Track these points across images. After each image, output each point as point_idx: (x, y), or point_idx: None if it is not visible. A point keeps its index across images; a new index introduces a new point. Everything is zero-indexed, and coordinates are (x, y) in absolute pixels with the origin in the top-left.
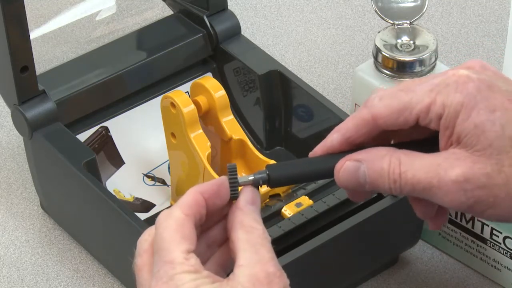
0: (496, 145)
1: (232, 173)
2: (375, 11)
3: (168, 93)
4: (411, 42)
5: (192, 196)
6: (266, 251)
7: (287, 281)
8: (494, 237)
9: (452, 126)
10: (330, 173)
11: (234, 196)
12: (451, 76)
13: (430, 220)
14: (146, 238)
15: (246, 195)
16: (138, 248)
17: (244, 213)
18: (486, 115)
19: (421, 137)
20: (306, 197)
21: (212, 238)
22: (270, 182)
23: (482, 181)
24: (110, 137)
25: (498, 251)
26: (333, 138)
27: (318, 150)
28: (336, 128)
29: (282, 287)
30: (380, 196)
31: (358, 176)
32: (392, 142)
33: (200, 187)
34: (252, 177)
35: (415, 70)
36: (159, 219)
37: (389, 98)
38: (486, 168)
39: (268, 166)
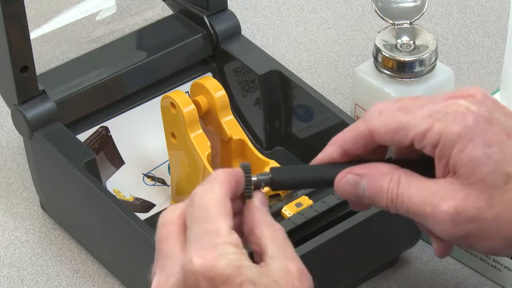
0: (489, 180)
1: (247, 172)
2: (375, 11)
3: (168, 93)
4: (411, 42)
5: (227, 177)
6: (291, 250)
7: (312, 282)
8: None
9: (448, 156)
10: (331, 182)
11: (248, 194)
12: (451, 105)
13: (436, 244)
14: (171, 212)
15: (259, 196)
16: (162, 220)
17: (263, 213)
18: (482, 149)
19: (418, 156)
20: (306, 197)
21: None
22: (273, 185)
23: (473, 215)
24: (110, 137)
25: None
26: (332, 150)
27: (317, 162)
28: (334, 139)
29: (310, 285)
30: None
31: (357, 190)
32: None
33: (230, 171)
34: (255, 178)
35: (415, 70)
36: (197, 192)
37: (387, 116)
38: (479, 203)
39: (272, 169)
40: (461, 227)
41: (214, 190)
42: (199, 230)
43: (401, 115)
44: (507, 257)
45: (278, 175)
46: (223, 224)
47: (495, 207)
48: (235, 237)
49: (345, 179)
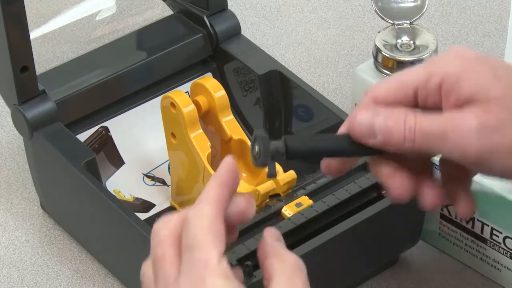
0: (505, 97)
1: (265, 141)
2: (375, 11)
3: (168, 93)
4: (411, 42)
5: (216, 190)
6: (301, 282)
7: None
8: (494, 237)
9: (457, 90)
10: (348, 148)
11: (264, 161)
12: (448, 50)
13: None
14: (164, 228)
15: (271, 232)
16: (156, 238)
17: (274, 246)
18: (490, 73)
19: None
20: (306, 197)
21: None
22: (288, 152)
23: (497, 126)
24: (110, 137)
25: (498, 251)
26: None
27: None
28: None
29: None
30: (380, 196)
31: (373, 123)
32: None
33: (220, 177)
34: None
35: None
36: (189, 216)
37: (387, 80)
38: (501, 115)
39: (286, 137)
40: (485, 139)
41: (204, 213)
42: (190, 259)
43: (400, 73)
44: (506, 256)
45: (292, 142)
46: (211, 253)
47: None
48: (223, 266)
49: (363, 111)
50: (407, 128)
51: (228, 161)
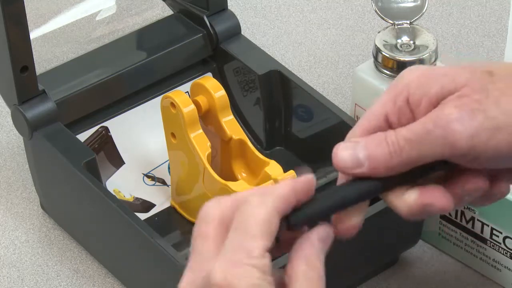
0: (472, 80)
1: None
2: (375, 11)
3: (168, 93)
4: (411, 42)
5: (287, 191)
6: None
7: None
8: (494, 237)
9: (425, 94)
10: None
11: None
12: (403, 72)
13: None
14: (214, 207)
15: (321, 231)
16: (204, 214)
17: (314, 248)
18: (449, 68)
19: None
20: None
21: None
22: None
23: (477, 107)
24: (110, 137)
25: (498, 251)
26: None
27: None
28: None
29: None
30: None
31: (356, 152)
32: None
33: (296, 183)
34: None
35: None
36: (250, 200)
37: (357, 124)
38: (476, 96)
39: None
40: (470, 122)
41: (265, 205)
42: (235, 242)
43: (367, 112)
44: (506, 256)
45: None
46: (259, 244)
47: (491, 94)
48: (265, 262)
49: (342, 146)
50: (390, 143)
51: (310, 177)
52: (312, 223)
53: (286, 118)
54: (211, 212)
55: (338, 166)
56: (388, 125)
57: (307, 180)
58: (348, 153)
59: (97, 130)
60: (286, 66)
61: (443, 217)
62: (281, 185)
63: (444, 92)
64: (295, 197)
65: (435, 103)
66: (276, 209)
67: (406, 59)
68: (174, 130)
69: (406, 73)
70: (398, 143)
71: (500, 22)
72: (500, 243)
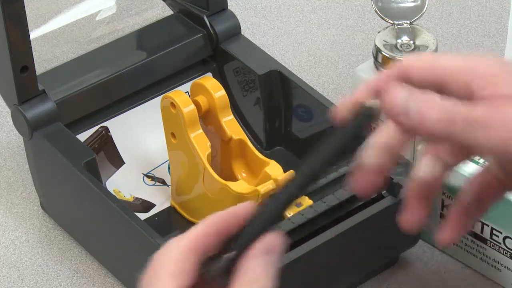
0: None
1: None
2: (375, 11)
3: (168, 93)
4: (411, 42)
5: (202, 228)
6: None
7: None
8: (494, 237)
9: (494, 86)
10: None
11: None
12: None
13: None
14: (157, 256)
15: (264, 241)
16: (150, 263)
17: (253, 262)
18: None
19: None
20: (306, 197)
21: None
22: None
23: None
24: (110, 137)
25: (498, 251)
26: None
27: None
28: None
29: None
30: (380, 196)
31: (408, 101)
32: None
33: (214, 217)
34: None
35: None
36: (167, 244)
37: (419, 58)
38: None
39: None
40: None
41: (178, 245)
42: (151, 286)
43: (435, 57)
44: (506, 256)
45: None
46: (171, 285)
47: None
48: None
49: (397, 87)
50: (448, 111)
51: (240, 207)
52: (248, 245)
53: (286, 118)
54: (151, 262)
55: (386, 105)
56: (445, 85)
57: (233, 210)
58: (401, 96)
59: (97, 130)
60: (286, 66)
61: (443, 217)
62: (201, 222)
63: None
64: (216, 227)
65: (501, 100)
66: (188, 248)
67: None
68: (174, 130)
69: (486, 59)
70: (455, 119)
71: (500, 22)
72: (500, 243)
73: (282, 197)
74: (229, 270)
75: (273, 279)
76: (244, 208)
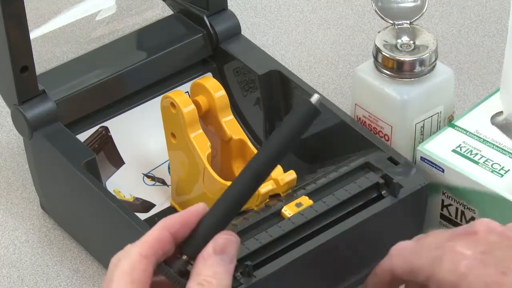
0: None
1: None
2: (375, 11)
3: (168, 93)
4: (411, 42)
5: (155, 234)
6: None
7: None
8: None
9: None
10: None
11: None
12: (448, 252)
13: None
14: (114, 262)
15: (216, 242)
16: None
17: (205, 264)
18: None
19: None
20: (306, 197)
21: None
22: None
23: None
24: (110, 137)
25: None
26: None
27: None
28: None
29: None
30: (380, 196)
31: None
32: None
33: (166, 221)
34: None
35: (415, 70)
36: (118, 254)
37: (403, 258)
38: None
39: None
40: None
41: (128, 254)
42: None
43: (412, 258)
44: None
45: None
46: None
47: None
48: None
49: None
50: None
51: (190, 210)
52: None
53: None
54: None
55: None
56: None
57: (184, 213)
58: None
59: (97, 130)
60: (286, 66)
61: (443, 217)
62: (152, 228)
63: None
64: (169, 232)
65: None
66: (140, 255)
67: (406, 59)
68: (174, 130)
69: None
70: None
71: (500, 22)
72: None
73: (231, 196)
74: (183, 273)
75: (229, 277)
76: (196, 210)
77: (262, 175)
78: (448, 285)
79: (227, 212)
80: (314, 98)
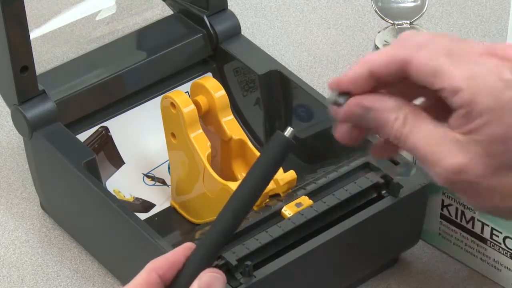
0: (503, 158)
1: None
2: (375, 11)
3: (168, 93)
4: None
5: (143, 276)
6: None
7: None
8: (494, 237)
9: (471, 120)
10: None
11: None
12: (493, 71)
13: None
14: None
15: (201, 279)
16: None
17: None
18: (505, 129)
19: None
20: (306, 197)
21: None
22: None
23: (471, 180)
24: (110, 137)
25: (498, 251)
26: (360, 72)
27: (343, 81)
28: (363, 60)
29: None
30: (380, 196)
31: (364, 120)
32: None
33: (154, 263)
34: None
35: None
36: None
37: (429, 55)
38: (481, 171)
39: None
40: (456, 186)
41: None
42: None
43: (444, 61)
44: (506, 256)
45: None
46: None
47: (497, 178)
48: None
49: (353, 110)
50: (394, 136)
51: (177, 251)
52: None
53: (286, 118)
54: None
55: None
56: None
57: (171, 254)
58: (357, 118)
59: (97, 130)
60: (286, 66)
61: (443, 217)
62: (140, 272)
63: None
64: (157, 273)
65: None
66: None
67: None
68: (174, 130)
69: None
70: (400, 143)
71: (500, 22)
72: (500, 243)
73: (214, 234)
74: None
75: None
76: (183, 250)
77: (241, 213)
78: (479, 107)
79: (210, 251)
80: (288, 131)
